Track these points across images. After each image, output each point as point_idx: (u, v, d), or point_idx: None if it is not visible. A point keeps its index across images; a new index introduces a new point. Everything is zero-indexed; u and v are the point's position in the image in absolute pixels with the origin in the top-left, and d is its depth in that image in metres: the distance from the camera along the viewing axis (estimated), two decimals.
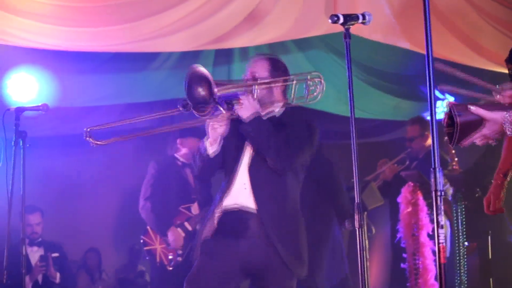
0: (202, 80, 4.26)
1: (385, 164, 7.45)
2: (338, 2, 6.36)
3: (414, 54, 7.20)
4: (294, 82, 4.67)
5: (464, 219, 6.90)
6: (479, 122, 2.96)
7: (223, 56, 7.13)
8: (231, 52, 7.10)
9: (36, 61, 6.28)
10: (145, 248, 6.87)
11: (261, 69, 4.66)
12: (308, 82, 4.67)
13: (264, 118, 4.55)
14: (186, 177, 6.98)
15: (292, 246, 4.51)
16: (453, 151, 7.27)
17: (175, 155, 6.98)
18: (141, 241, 6.92)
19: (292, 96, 4.67)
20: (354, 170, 3.98)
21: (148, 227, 6.91)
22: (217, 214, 4.60)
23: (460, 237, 6.92)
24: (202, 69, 4.28)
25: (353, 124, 4.02)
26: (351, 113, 4.03)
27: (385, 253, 7.69)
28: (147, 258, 6.93)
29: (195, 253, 4.65)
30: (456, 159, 7.33)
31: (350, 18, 4.14)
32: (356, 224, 3.97)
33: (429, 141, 7.19)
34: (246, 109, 4.43)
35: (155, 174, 6.96)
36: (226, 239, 4.53)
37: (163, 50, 6.51)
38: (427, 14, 2.76)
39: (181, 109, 4.36)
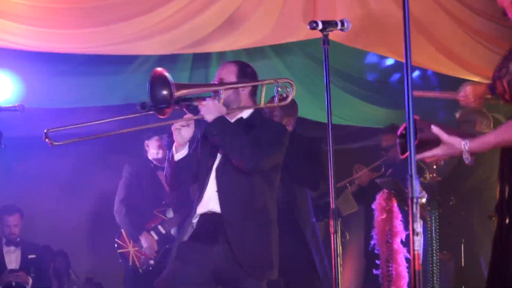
0: (162, 81, 4.27)
1: (361, 169, 7.44)
2: (317, 9, 6.35)
3: (392, 61, 7.23)
4: (263, 86, 4.69)
5: (438, 227, 6.91)
6: (436, 142, 3.10)
7: (201, 60, 7.12)
8: (209, 56, 7.09)
9: (11, 62, 6.22)
10: (119, 251, 6.85)
11: (229, 74, 4.70)
12: (278, 88, 4.69)
13: (232, 121, 4.58)
14: (160, 180, 6.96)
15: (256, 252, 4.48)
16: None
17: (149, 157, 6.97)
18: (115, 244, 6.88)
19: (261, 100, 4.70)
20: (329, 177, 3.98)
21: (122, 230, 6.90)
22: (194, 220, 4.62)
23: (434, 244, 6.92)
24: (163, 71, 4.29)
25: (330, 130, 4.03)
26: (328, 119, 4.04)
27: (358, 259, 7.69)
28: (120, 260, 6.89)
29: (170, 257, 4.65)
30: (434, 167, 7.34)
31: (329, 25, 4.18)
32: (331, 230, 3.97)
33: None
34: (210, 111, 4.44)
35: (129, 177, 6.98)
36: (200, 245, 4.53)
37: (141, 53, 6.48)
38: (407, 23, 2.71)
39: (138, 108, 4.37)
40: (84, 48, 5.94)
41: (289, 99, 4.73)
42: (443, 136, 3.08)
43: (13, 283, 7.15)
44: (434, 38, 6.79)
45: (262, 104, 4.72)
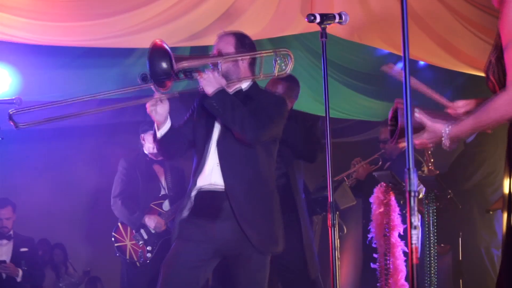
0: (162, 53, 4.25)
1: (359, 163, 7.44)
2: (314, 2, 6.36)
3: (390, 55, 7.22)
4: (262, 56, 4.70)
5: (435, 220, 6.91)
6: (421, 127, 3.09)
7: (198, 53, 7.02)
8: (207, 49, 7.02)
9: (9, 55, 6.22)
10: (116, 244, 6.86)
11: (227, 45, 4.66)
12: (277, 58, 4.67)
13: (231, 91, 4.55)
14: (156, 173, 7.01)
15: (262, 225, 4.48)
16: (429, 152, 7.28)
17: (144, 151, 6.99)
18: (112, 238, 6.90)
19: (260, 71, 4.69)
20: (327, 169, 3.99)
21: (119, 224, 6.92)
22: (193, 193, 4.59)
23: (431, 238, 6.93)
24: (163, 43, 4.26)
25: (328, 123, 4.04)
26: (326, 113, 4.06)
27: (356, 253, 7.70)
28: (117, 254, 6.90)
29: (173, 235, 4.62)
30: (432, 160, 7.34)
31: (326, 18, 4.19)
32: (329, 223, 4.00)
33: (403, 144, 7.24)
34: (210, 84, 4.41)
35: (124, 171, 7.00)
36: (201, 221, 4.52)
37: (139, 46, 6.46)
38: (405, 16, 2.72)
39: (140, 82, 4.36)
40: (82, 41, 5.94)
41: (288, 70, 4.71)
42: (426, 121, 3.08)
43: (3, 275, 7.17)
44: (432, 31, 6.81)
45: (261, 75, 4.71)
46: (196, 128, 4.66)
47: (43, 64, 6.48)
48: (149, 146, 6.91)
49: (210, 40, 6.39)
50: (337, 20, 4.21)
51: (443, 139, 3.03)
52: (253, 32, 6.29)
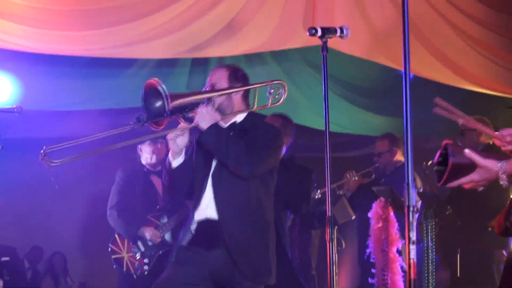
0: (156, 93, 4.26)
1: (352, 174, 7.43)
2: (316, 15, 6.43)
3: (391, 70, 7.24)
4: (256, 89, 4.71)
5: (434, 236, 6.92)
6: (471, 166, 2.97)
7: (200, 65, 7.14)
8: (208, 61, 7.10)
9: (10, 63, 6.23)
10: (113, 256, 6.84)
11: (220, 79, 4.69)
12: (271, 89, 4.69)
13: (226, 125, 4.59)
14: (153, 184, 6.98)
15: (256, 256, 4.51)
16: (427, 172, 7.32)
17: (142, 162, 6.97)
18: (109, 249, 6.88)
19: (254, 103, 4.70)
20: (327, 184, 3.98)
21: (116, 236, 6.89)
22: (192, 226, 4.63)
23: (430, 253, 6.93)
24: (156, 84, 4.27)
25: (328, 137, 4.02)
26: (326, 127, 4.04)
27: (354, 268, 7.69)
28: (114, 266, 6.89)
29: (170, 259, 4.67)
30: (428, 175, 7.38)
31: (328, 32, 4.18)
32: (327, 238, 3.98)
33: (397, 157, 7.29)
34: (204, 119, 4.44)
35: (121, 182, 6.96)
36: (198, 249, 4.55)
37: (141, 57, 6.53)
38: (406, 31, 2.72)
39: (133, 122, 4.36)
40: (85, 51, 6.00)
41: (281, 101, 4.73)
42: (478, 159, 2.97)
43: None
44: (433, 47, 6.85)
45: (255, 107, 4.73)
46: (195, 165, 4.69)
47: (44, 73, 6.50)
48: (146, 157, 6.87)
49: (211, 51, 6.53)
50: (338, 34, 4.20)
51: (499, 173, 2.93)
52: (255, 45, 6.44)
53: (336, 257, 4.06)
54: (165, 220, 6.87)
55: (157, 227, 6.80)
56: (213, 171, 4.59)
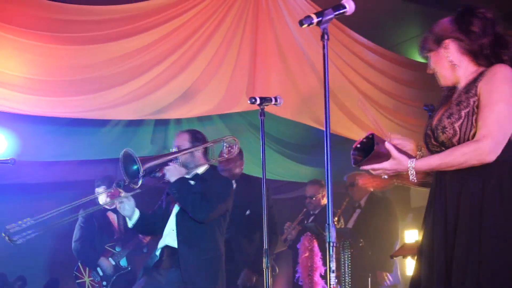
0: (132, 160, 4.49)
1: (290, 227, 7.53)
2: (256, 85, 6.48)
3: (314, 129, 7.37)
4: (212, 145, 4.96)
5: (350, 264, 7.02)
6: (387, 156, 2.94)
7: (162, 125, 7.16)
8: (168, 121, 7.13)
9: (5, 122, 6.18)
10: (77, 281, 6.86)
11: (183, 141, 4.95)
12: (225, 144, 4.97)
13: (190, 176, 4.83)
14: (109, 220, 7.02)
15: (201, 279, 4.68)
16: (339, 210, 7.47)
17: (99, 201, 6.90)
18: (73, 274, 6.90)
19: (212, 156, 4.95)
20: (264, 221, 4.14)
21: (79, 264, 6.91)
22: (157, 252, 4.84)
23: (346, 278, 7.01)
24: (132, 154, 4.49)
25: (264, 183, 4.21)
26: (263, 174, 4.24)
27: None
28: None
29: (138, 278, 4.90)
30: (338, 216, 7.51)
31: (265, 100, 4.36)
32: (264, 266, 4.13)
33: (324, 201, 7.37)
34: (173, 174, 4.70)
35: (83, 219, 6.95)
36: (161, 269, 4.77)
37: (116, 118, 6.50)
38: (327, 98, 2.81)
39: (114, 186, 4.68)
40: (70, 113, 5.94)
41: (235, 152, 5.00)
42: (394, 152, 2.93)
43: None
44: (347, 109, 6.90)
45: (214, 160, 4.98)
46: (165, 204, 4.97)
47: (35, 130, 6.46)
48: (102, 197, 6.85)
49: (171, 114, 6.53)
50: (273, 102, 4.38)
51: (409, 170, 2.91)
52: (206, 109, 6.44)
53: (271, 281, 4.19)
54: (119, 249, 6.92)
55: (113, 255, 6.86)
56: (177, 211, 4.81)
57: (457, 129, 2.98)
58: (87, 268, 6.86)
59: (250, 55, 6.41)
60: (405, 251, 6.25)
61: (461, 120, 2.98)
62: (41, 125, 6.44)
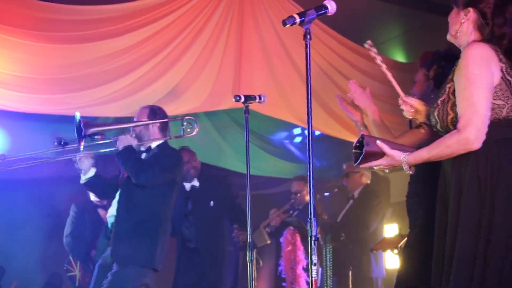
0: (79, 125, 4.67)
1: (275, 213, 7.55)
2: (241, 83, 6.48)
3: (297, 126, 7.39)
4: (169, 122, 5.12)
5: (331, 257, 7.06)
6: (381, 154, 3.01)
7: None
8: None
9: None
10: (68, 274, 6.89)
11: (142, 115, 5.12)
12: (184, 123, 5.05)
13: (143, 148, 4.99)
14: (100, 216, 7.02)
15: (129, 248, 4.77)
16: (321, 206, 7.52)
17: (91, 198, 6.99)
18: (64, 268, 6.92)
19: (168, 134, 5.09)
20: (248, 216, 4.13)
21: (70, 257, 6.93)
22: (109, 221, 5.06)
23: (328, 271, 7.07)
24: (79, 117, 4.68)
25: (248, 179, 4.20)
26: (247, 170, 4.21)
27: (269, 282, 7.79)
28: (69, 282, 6.93)
29: None
30: (322, 210, 7.55)
31: (249, 98, 4.36)
32: (247, 259, 4.11)
33: (307, 196, 7.39)
34: (122, 143, 4.87)
35: (74, 215, 7.01)
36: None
37: (103, 115, 6.48)
38: (309, 96, 2.81)
39: (56, 144, 4.96)
40: (58, 110, 5.93)
41: (194, 132, 5.07)
42: (386, 149, 2.99)
43: None
44: (328, 107, 6.93)
45: (171, 137, 5.11)
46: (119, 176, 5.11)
47: (24, 127, 6.50)
48: (93, 196, 6.93)
49: None
50: (257, 100, 4.37)
51: (403, 164, 2.97)
52: (192, 106, 6.43)
53: (255, 274, 4.21)
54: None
55: None
56: (123, 179, 4.96)
57: (437, 117, 3.02)
58: (78, 262, 6.87)
59: (235, 54, 6.39)
60: (384, 244, 6.31)
61: (438, 108, 3.01)
62: (30, 122, 6.46)
